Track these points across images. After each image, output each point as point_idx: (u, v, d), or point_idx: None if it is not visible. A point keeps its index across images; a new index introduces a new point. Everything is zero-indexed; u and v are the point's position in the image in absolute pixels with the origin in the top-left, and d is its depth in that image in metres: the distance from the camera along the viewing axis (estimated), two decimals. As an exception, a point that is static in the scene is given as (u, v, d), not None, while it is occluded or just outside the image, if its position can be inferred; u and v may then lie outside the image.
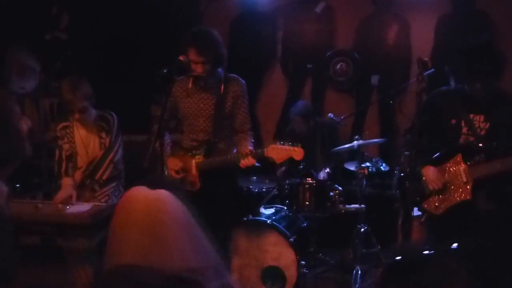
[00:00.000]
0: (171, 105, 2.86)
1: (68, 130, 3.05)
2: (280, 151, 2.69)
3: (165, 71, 2.49)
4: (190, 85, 2.87)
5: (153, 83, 2.83)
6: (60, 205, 2.75)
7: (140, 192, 1.16)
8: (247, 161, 2.73)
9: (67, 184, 2.93)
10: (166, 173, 2.85)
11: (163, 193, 1.15)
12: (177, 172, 2.89)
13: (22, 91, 4.28)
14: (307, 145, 4.12)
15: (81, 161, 3.04)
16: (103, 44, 4.70)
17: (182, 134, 3.04)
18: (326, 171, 3.87)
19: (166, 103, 2.62)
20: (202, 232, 1.15)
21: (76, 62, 4.59)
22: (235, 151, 2.91)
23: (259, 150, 2.75)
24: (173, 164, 2.89)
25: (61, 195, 2.86)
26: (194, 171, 2.88)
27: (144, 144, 4.54)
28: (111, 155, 3.00)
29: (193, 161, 2.89)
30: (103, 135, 3.01)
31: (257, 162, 2.79)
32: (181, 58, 2.64)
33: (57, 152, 3.06)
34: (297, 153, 2.69)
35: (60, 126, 3.06)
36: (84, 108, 2.89)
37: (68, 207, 2.71)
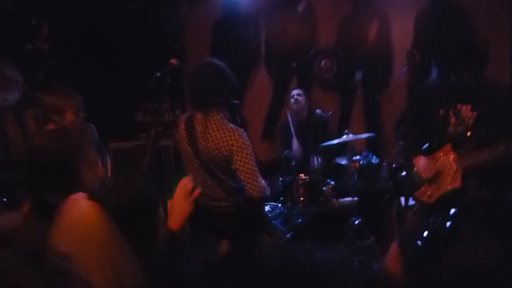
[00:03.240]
0: None
1: None
2: None
3: (158, 75, 2.48)
4: None
5: (137, 90, 2.83)
6: None
7: (75, 200, 1.21)
8: None
9: None
10: None
11: (91, 206, 1.20)
12: None
13: (5, 104, 4.20)
14: (300, 137, 4.22)
15: None
16: (85, 52, 4.66)
17: None
18: (317, 159, 3.95)
19: (161, 107, 2.61)
20: (121, 256, 1.19)
21: (58, 72, 4.53)
22: None
23: None
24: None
25: None
26: None
27: (131, 150, 4.54)
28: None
29: None
30: None
31: None
32: (173, 61, 2.64)
33: None
34: None
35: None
36: (78, 112, 2.86)
37: None
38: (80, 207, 1.21)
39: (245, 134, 2.57)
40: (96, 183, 1.63)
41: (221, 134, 2.54)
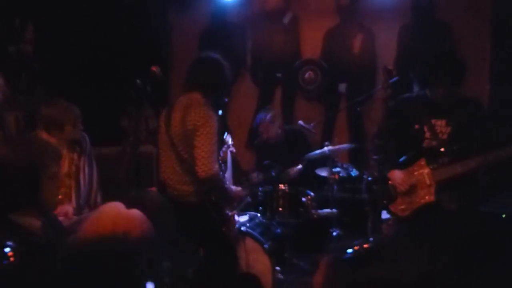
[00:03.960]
0: None
1: None
2: None
3: (138, 81, 2.50)
4: None
5: (123, 95, 2.84)
6: None
7: (114, 208, 1.19)
8: None
9: None
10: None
11: (135, 214, 1.18)
12: None
13: (-14, 106, 4.18)
14: (278, 153, 4.22)
15: None
16: (70, 56, 4.65)
17: None
18: (298, 167, 3.95)
19: (139, 114, 2.63)
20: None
21: (42, 75, 4.52)
22: None
23: None
24: None
25: None
26: None
27: (115, 156, 4.52)
28: (82, 176, 2.96)
29: None
30: (75, 156, 2.97)
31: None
32: (153, 69, 2.67)
33: None
34: None
35: None
36: (78, 125, 2.90)
37: None
38: (120, 214, 1.18)
39: (214, 118, 2.59)
40: (56, 194, 1.62)
41: (193, 110, 2.60)
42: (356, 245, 2.67)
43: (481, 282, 3.28)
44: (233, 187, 2.87)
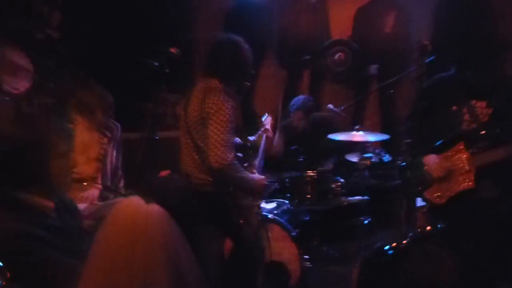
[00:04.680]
0: None
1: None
2: None
3: (156, 64, 2.44)
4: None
5: (146, 79, 2.79)
6: None
7: (132, 205, 1.11)
8: None
9: None
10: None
11: (155, 210, 1.10)
12: None
13: (15, 92, 4.23)
14: (306, 140, 4.10)
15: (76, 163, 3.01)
16: (97, 41, 4.65)
17: None
18: (331, 161, 3.84)
19: (159, 97, 2.58)
20: (186, 259, 1.10)
21: (70, 61, 4.53)
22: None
23: None
24: None
25: None
26: None
27: (136, 141, 4.52)
28: (109, 161, 2.98)
29: None
30: (105, 140, 2.98)
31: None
32: (172, 50, 2.60)
33: None
34: None
35: None
36: (110, 112, 2.90)
37: None
38: (140, 211, 1.11)
39: (229, 105, 2.48)
40: (68, 174, 1.57)
41: (209, 96, 2.51)
42: (394, 242, 2.53)
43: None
44: (256, 176, 2.74)
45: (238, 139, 2.76)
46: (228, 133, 2.45)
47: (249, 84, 2.75)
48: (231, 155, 2.47)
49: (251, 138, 3.14)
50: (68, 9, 4.60)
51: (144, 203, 1.11)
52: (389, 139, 4.32)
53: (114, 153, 3.02)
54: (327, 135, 3.82)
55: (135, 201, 1.12)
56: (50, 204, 1.56)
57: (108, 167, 3.00)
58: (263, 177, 2.78)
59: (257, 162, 2.98)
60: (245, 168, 2.70)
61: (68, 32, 4.63)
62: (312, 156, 3.81)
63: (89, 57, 4.52)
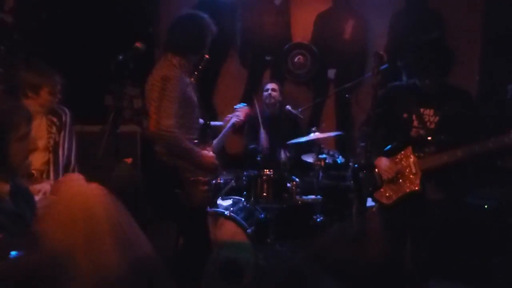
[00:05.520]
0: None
1: None
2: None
3: (120, 58, 2.42)
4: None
5: (107, 72, 2.75)
6: None
7: (73, 181, 1.14)
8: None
9: None
10: None
11: (94, 187, 1.13)
12: None
13: (-35, 77, 4.02)
14: (271, 133, 4.19)
15: None
16: (52, 28, 4.49)
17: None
18: (285, 153, 3.93)
19: (122, 91, 2.55)
20: (132, 233, 1.13)
21: (23, 46, 4.36)
22: None
23: None
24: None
25: None
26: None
27: (95, 134, 4.42)
28: (61, 152, 2.90)
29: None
30: (54, 129, 2.89)
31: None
32: (137, 44, 2.58)
33: None
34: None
35: None
36: (57, 91, 2.78)
37: None
38: (82, 188, 1.12)
39: (177, 78, 2.52)
40: (27, 157, 1.54)
41: (160, 68, 2.56)
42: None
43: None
44: (205, 152, 2.69)
45: (202, 120, 2.79)
46: (170, 102, 2.47)
47: (207, 57, 2.72)
48: (169, 123, 2.47)
49: (220, 123, 3.22)
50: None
51: (84, 181, 1.15)
52: (342, 141, 4.50)
53: (66, 144, 2.93)
54: (291, 131, 3.92)
55: (76, 178, 1.15)
56: (6, 187, 1.52)
57: (60, 158, 2.91)
58: (213, 154, 2.72)
59: (215, 141, 2.98)
60: (197, 144, 2.68)
61: (22, 17, 4.45)
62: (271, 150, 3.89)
63: (45, 45, 4.38)
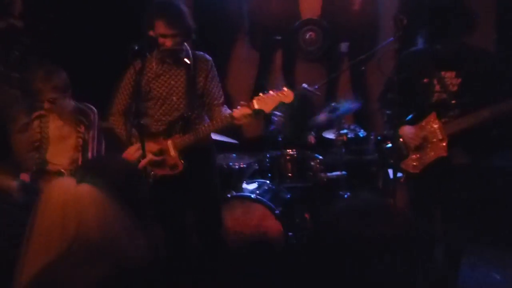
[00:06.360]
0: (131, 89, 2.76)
1: (42, 120, 2.91)
2: (268, 100, 2.55)
3: (136, 47, 2.41)
4: (154, 64, 2.74)
5: (122, 66, 2.75)
6: None
7: (63, 186, 1.12)
8: (243, 111, 2.57)
9: None
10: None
11: (85, 189, 1.12)
12: (156, 154, 2.75)
13: (-22, 83, 4.07)
14: (294, 114, 4.13)
15: (53, 154, 2.92)
16: (62, 29, 4.50)
17: (149, 118, 2.80)
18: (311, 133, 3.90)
19: (140, 81, 2.56)
20: (123, 232, 1.11)
21: (35, 50, 4.38)
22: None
23: (246, 104, 2.58)
24: (149, 147, 2.67)
25: None
26: (172, 152, 2.75)
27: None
28: (90, 151, 2.91)
29: (169, 142, 2.74)
30: (82, 129, 2.91)
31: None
32: (151, 33, 2.56)
33: None
34: (286, 95, 2.56)
35: (36, 114, 2.89)
36: (53, 100, 2.78)
37: None
38: (70, 191, 1.12)
39: (130, 68, 2.71)
40: (29, 149, 1.53)
41: None
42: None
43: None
44: (132, 147, 2.68)
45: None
46: (117, 92, 2.85)
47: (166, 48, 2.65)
48: (111, 110, 2.85)
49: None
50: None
51: (74, 184, 1.13)
52: (361, 115, 4.43)
53: (95, 142, 2.93)
54: (305, 111, 3.88)
55: (66, 182, 1.14)
56: (13, 183, 1.51)
57: (90, 157, 2.91)
58: (135, 151, 2.64)
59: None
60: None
61: (31, 21, 4.47)
62: (292, 132, 3.84)
63: (56, 46, 4.39)
